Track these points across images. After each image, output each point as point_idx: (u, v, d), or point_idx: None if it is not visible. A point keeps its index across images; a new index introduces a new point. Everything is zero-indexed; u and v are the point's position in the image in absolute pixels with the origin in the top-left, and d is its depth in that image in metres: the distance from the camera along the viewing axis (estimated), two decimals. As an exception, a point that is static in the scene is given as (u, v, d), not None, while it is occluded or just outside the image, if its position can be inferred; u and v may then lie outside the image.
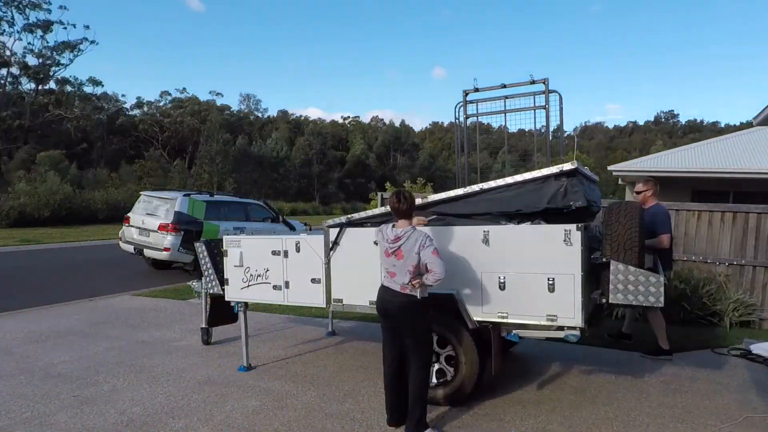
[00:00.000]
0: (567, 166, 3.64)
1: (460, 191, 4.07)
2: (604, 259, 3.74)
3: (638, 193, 5.55)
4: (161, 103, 58.66)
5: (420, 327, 3.57)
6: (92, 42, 45.65)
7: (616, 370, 5.02)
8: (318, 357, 5.46)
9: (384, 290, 3.61)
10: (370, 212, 4.41)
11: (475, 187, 4.00)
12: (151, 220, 10.55)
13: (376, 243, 4.19)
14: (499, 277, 3.76)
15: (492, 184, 3.93)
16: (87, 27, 58.08)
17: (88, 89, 49.79)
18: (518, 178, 3.81)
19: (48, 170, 29.66)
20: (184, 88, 60.65)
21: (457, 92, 6.53)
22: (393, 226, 3.61)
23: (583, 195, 3.60)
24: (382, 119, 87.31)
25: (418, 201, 4.20)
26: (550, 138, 5.86)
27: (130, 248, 10.98)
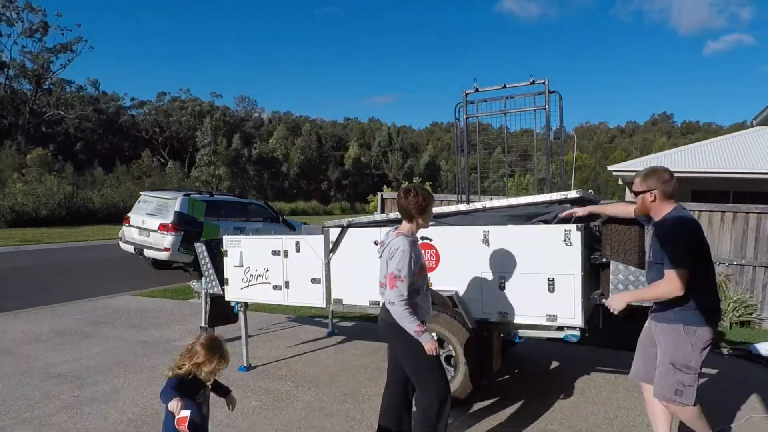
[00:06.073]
0: (572, 194, 3.72)
1: (462, 207, 4.17)
2: (604, 259, 3.74)
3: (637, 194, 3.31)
4: (161, 103, 58.63)
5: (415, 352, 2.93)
6: (86, 41, 45.75)
7: (616, 370, 5.02)
8: (318, 357, 5.46)
9: None
10: (371, 217, 4.47)
11: (478, 205, 4.10)
12: (151, 220, 10.54)
13: (376, 243, 4.20)
14: (499, 277, 3.77)
15: (495, 203, 4.02)
16: (79, 25, 58.95)
17: (85, 88, 49.84)
18: (521, 200, 3.91)
19: (44, 172, 29.54)
20: (188, 89, 60.73)
21: (457, 93, 6.53)
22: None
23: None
24: (379, 119, 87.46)
25: None
26: (551, 138, 5.85)
27: (130, 248, 10.97)
